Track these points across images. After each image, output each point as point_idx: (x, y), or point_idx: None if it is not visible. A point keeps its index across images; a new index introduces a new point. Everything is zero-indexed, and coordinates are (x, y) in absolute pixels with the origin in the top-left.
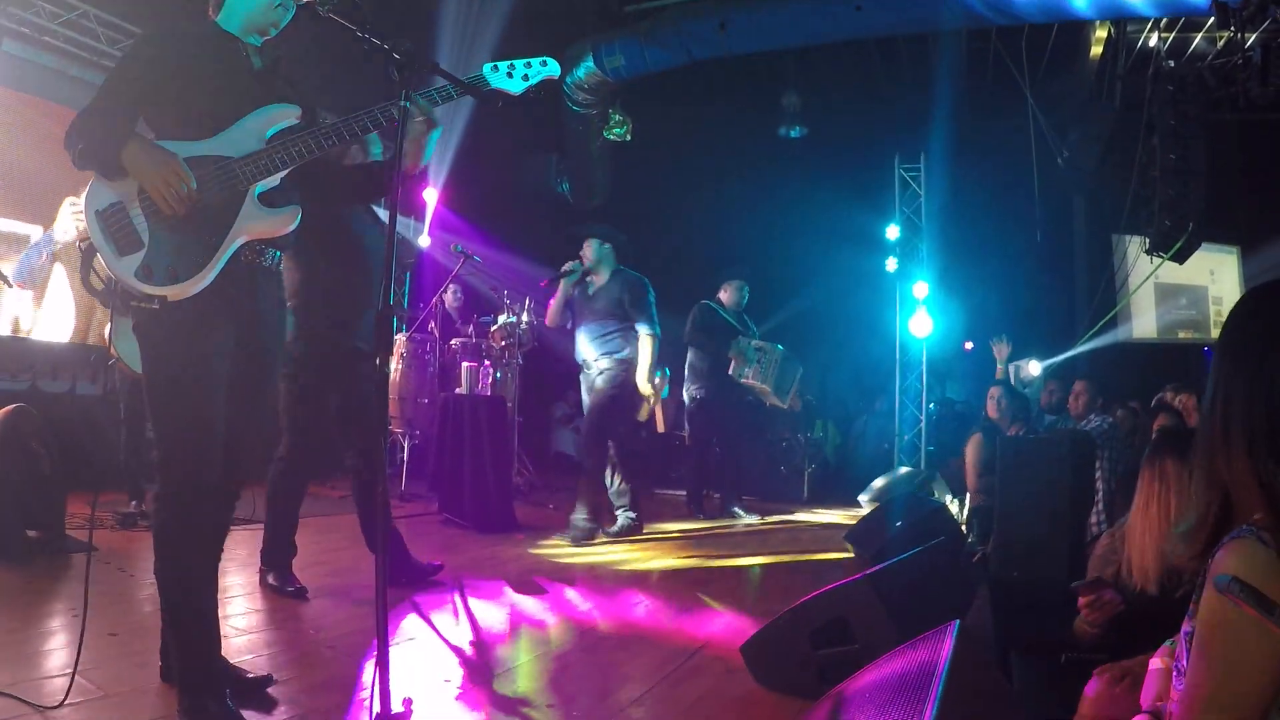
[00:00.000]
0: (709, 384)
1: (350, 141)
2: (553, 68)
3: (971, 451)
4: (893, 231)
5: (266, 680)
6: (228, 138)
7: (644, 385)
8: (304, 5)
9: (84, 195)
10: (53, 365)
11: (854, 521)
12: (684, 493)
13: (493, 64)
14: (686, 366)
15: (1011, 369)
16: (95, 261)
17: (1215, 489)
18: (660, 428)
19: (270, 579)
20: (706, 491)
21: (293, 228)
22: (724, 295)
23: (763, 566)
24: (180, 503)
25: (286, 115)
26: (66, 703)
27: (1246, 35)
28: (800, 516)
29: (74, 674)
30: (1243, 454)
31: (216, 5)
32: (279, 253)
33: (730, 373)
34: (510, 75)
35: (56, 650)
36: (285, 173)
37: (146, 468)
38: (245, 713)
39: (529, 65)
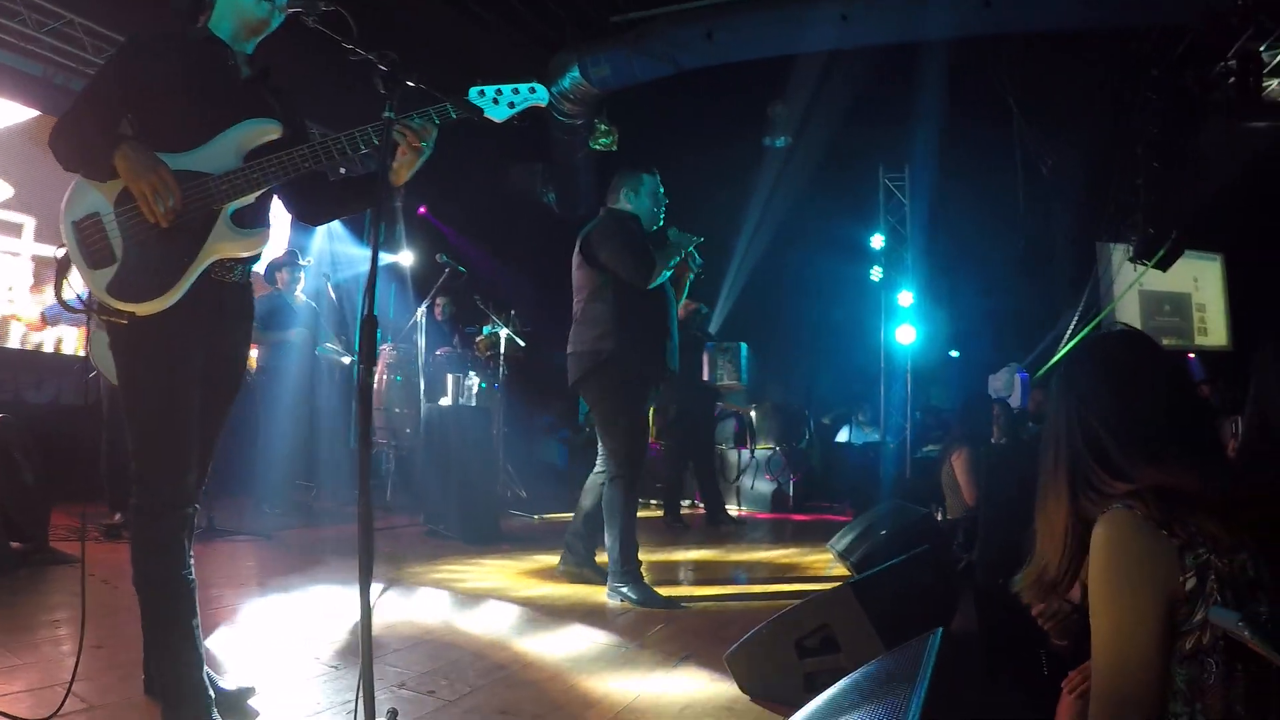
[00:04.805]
0: (686, 395)
1: (329, 163)
2: (540, 94)
3: (960, 465)
4: (877, 240)
5: (249, 692)
6: (207, 152)
7: None
8: (290, 15)
9: (63, 202)
10: (36, 375)
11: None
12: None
13: (479, 88)
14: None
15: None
16: (69, 272)
17: (1067, 520)
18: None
19: (627, 592)
20: (692, 503)
21: (262, 249)
22: (682, 312)
23: (748, 575)
24: (156, 514)
25: (268, 132)
26: (55, 715)
27: (1232, 44)
28: (785, 524)
29: (70, 684)
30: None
31: (208, 8)
32: (247, 268)
33: (705, 378)
34: (496, 101)
35: (39, 663)
36: (261, 192)
37: (127, 479)
38: None
39: (516, 91)
